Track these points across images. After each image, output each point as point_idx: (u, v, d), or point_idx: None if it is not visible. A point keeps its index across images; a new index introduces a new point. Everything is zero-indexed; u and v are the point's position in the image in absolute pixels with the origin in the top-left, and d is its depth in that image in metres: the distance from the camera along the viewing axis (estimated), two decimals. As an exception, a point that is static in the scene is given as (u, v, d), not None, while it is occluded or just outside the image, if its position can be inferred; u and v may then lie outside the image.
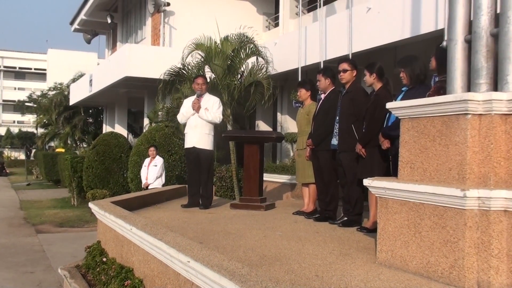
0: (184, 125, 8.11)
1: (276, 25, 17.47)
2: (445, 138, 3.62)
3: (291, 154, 11.59)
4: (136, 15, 21.44)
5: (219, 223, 6.26)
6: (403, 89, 5.49)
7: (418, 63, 5.38)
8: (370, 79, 5.84)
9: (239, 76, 13.11)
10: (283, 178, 9.99)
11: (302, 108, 7.38)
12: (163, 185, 11.12)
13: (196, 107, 7.68)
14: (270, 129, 16.26)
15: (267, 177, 10.02)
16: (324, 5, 13.84)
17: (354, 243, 5.05)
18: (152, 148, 11.50)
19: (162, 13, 16.98)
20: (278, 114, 16.31)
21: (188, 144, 7.81)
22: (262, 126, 16.80)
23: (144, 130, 16.03)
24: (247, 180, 7.90)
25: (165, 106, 14.38)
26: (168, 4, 16.91)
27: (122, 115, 24.36)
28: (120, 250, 5.55)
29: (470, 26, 3.88)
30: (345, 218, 6.28)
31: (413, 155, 3.90)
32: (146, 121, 18.35)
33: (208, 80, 13.08)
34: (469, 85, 3.88)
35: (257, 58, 13.11)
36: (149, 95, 18.89)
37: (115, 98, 22.85)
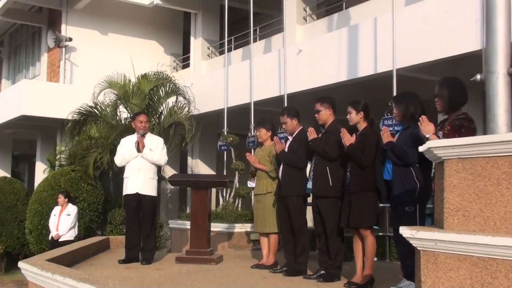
0: (121, 168, 7.16)
1: (184, 66, 16.84)
2: (516, 181, 3.17)
3: (221, 201, 10.80)
4: (28, 50, 19.73)
5: (184, 283, 5.35)
6: (398, 128, 5.08)
7: (414, 101, 4.98)
8: (357, 117, 5.33)
9: (157, 116, 12.25)
10: (218, 227, 9.17)
11: (261, 149, 6.75)
12: (76, 237, 9.83)
13: (141, 146, 6.79)
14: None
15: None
16: (234, 49, 13.55)
17: (362, 302, 4.42)
18: (60, 195, 10.16)
19: (63, 49, 15.64)
20: (189, 158, 15.48)
21: (129, 190, 6.82)
22: (168, 171, 15.76)
23: (46, 175, 14.25)
24: (194, 229, 7.04)
25: (70, 148, 12.99)
26: (71, 40, 15.62)
27: (6, 158, 21.89)
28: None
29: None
30: (322, 272, 5.65)
31: (467, 201, 3.39)
32: (39, 165, 16.60)
33: (123, 121, 12.19)
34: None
35: (176, 98, 12.37)
36: (44, 136, 17.19)
37: (-3, 140, 20.57)
